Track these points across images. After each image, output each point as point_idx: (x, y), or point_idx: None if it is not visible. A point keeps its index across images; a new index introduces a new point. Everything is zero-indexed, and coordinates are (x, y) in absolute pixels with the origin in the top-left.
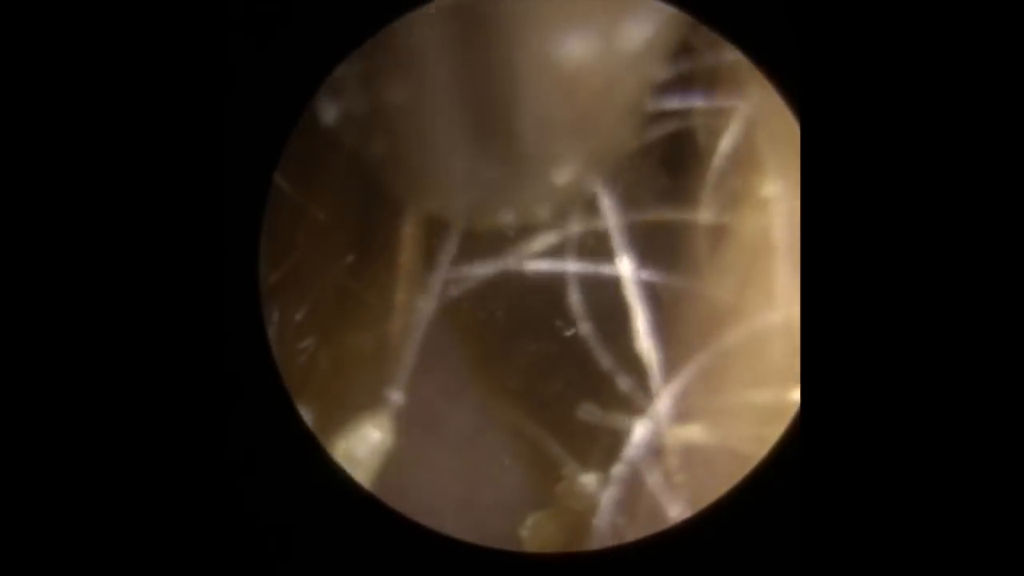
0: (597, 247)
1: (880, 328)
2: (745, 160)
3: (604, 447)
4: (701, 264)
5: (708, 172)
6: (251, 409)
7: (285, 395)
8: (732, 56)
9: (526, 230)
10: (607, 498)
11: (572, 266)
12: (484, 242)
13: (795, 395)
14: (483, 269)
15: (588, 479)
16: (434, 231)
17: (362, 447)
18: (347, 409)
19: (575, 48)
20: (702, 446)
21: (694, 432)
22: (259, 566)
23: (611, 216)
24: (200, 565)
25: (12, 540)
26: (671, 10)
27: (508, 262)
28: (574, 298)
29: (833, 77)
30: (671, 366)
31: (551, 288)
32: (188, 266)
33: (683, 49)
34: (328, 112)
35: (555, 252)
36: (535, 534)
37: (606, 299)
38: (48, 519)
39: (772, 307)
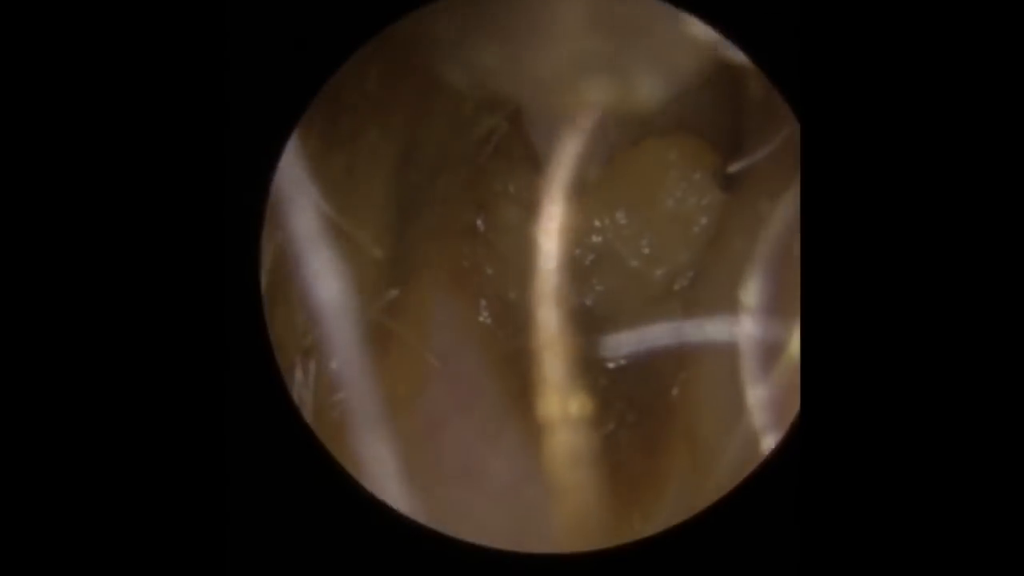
0: None
1: (880, 331)
2: None
3: None
4: None
5: None
6: (251, 409)
7: (285, 394)
8: None
9: None
10: None
11: None
12: None
13: None
14: None
15: None
16: None
17: None
18: None
19: None
20: None
21: None
22: (260, 566)
23: None
24: (199, 563)
25: (11, 537)
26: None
27: None
28: None
29: (832, 78)
30: None
31: None
32: (189, 267)
33: None
34: None
35: None
36: None
37: None
38: (47, 517)
39: None
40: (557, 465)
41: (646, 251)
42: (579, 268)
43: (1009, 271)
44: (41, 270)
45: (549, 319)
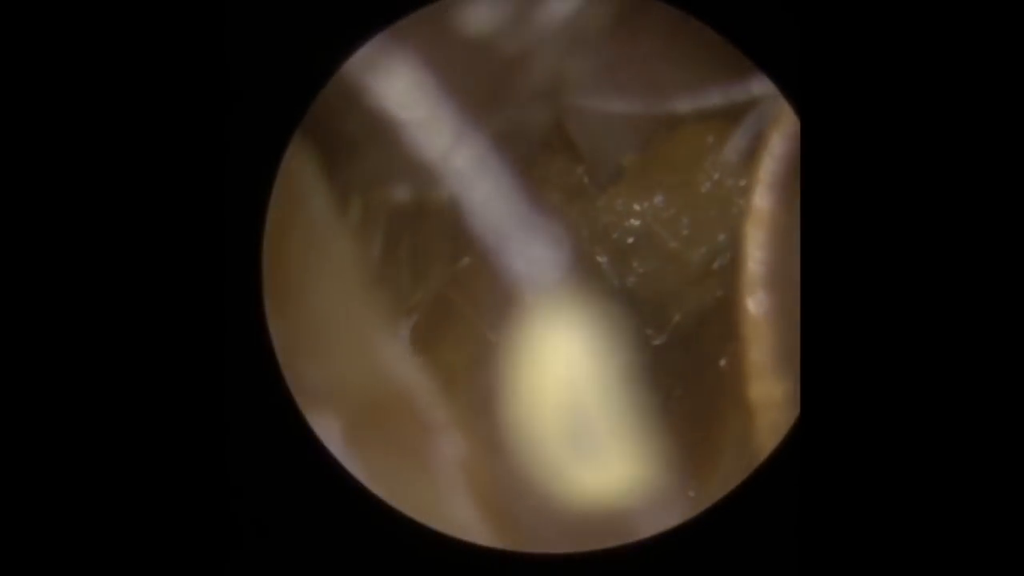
0: None
1: (881, 330)
2: None
3: None
4: None
5: None
6: (251, 409)
7: (285, 392)
8: None
9: None
10: None
11: None
12: None
13: None
14: None
15: None
16: None
17: None
18: None
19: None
20: None
21: None
22: (259, 564)
23: None
24: (201, 564)
25: (12, 535)
26: (675, 11)
27: None
28: None
29: (833, 77)
30: None
31: None
32: (190, 266)
33: None
34: None
35: None
36: None
37: None
38: (48, 517)
39: None
40: (764, 443)
41: (685, 232)
42: (619, 250)
43: (1010, 270)
44: (42, 262)
45: (757, 308)
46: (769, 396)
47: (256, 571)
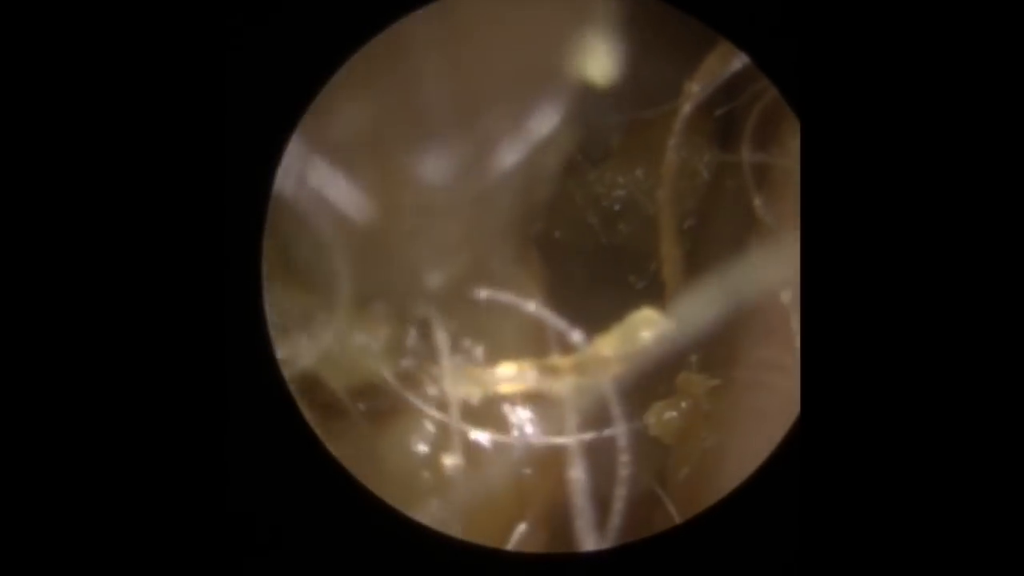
0: None
1: (881, 330)
2: None
3: None
4: None
5: None
6: (251, 408)
7: (285, 392)
8: None
9: None
10: None
11: None
12: None
13: None
14: None
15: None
16: None
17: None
18: None
19: None
20: None
21: None
22: (258, 564)
23: None
24: (199, 563)
25: (12, 534)
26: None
27: None
28: None
29: (832, 77)
30: None
31: None
32: (190, 264)
33: None
34: None
35: None
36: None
37: None
38: (48, 515)
39: None
40: None
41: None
42: (609, 215)
43: (1010, 271)
44: (42, 262)
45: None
46: None
47: (254, 564)
